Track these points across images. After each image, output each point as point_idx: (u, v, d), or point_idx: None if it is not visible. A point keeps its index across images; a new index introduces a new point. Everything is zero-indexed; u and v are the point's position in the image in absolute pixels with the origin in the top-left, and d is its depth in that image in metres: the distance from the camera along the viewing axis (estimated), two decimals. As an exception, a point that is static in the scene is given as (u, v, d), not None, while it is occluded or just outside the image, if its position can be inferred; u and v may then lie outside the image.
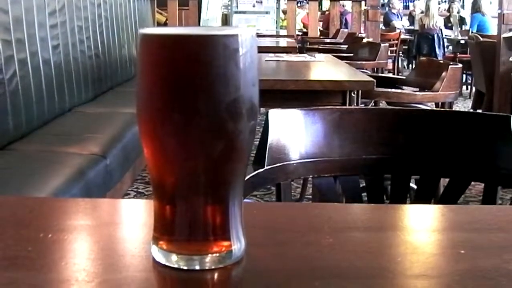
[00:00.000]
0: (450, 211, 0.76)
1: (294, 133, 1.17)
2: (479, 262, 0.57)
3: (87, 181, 2.39)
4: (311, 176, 1.20)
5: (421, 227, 0.70)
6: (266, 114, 1.14)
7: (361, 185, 1.26)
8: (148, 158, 0.51)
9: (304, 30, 9.80)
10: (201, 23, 2.17)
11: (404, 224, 0.72)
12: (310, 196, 3.15)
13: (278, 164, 1.14)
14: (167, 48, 0.48)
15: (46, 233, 0.61)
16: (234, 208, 0.53)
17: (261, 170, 1.11)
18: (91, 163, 2.53)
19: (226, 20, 8.80)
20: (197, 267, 0.52)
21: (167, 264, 0.53)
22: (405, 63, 11.42)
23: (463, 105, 7.81)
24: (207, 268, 0.52)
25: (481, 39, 6.14)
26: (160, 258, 0.53)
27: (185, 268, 0.52)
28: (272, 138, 1.14)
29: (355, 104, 2.03)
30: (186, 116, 0.48)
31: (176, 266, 0.52)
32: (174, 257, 0.52)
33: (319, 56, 3.11)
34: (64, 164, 2.42)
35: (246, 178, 1.10)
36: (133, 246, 0.60)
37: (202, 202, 0.52)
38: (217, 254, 0.52)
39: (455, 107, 7.47)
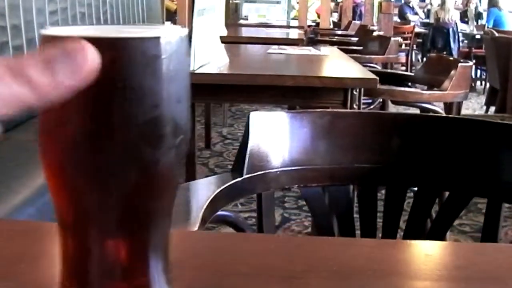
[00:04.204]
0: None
1: (279, 138, 1.07)
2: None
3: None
4: (296, 185, 1.10)
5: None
6: (248, 117, 1.04)
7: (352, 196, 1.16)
8: (51, 190, 0.41)
9: (318, 20, 9.66)
10: (195, 14, 2.05)
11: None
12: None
13: (259, 173, 1.04)
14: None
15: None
16: (157, 249, 0.43)
17: (239, 179, 1.01)
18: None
19: (236, 9, 8.68)
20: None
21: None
22: (419, 57, 11.26)
23: (477, 101, 7.66)
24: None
25: (497, 34, 6.00)
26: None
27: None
28: (253, 144, 1.03)
29: (357, 103, 1.92)
30: (91, 139, 0.38)
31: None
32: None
33: (324, 49, 2.99)
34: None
35: (221, 188, 1.00)
36: None
37: (116, 243, 0.42)
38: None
39: (468, 104, 7.33)
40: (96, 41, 0.38)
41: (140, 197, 0.40)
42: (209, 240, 0.61)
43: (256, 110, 5.88)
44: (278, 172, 1.06)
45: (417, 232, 1.13)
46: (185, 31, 0.41)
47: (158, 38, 0.38)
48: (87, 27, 0.41)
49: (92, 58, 0.31)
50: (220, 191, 0.96)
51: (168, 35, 0.39)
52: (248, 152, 1.02)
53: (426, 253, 0.57)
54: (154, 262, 0.43)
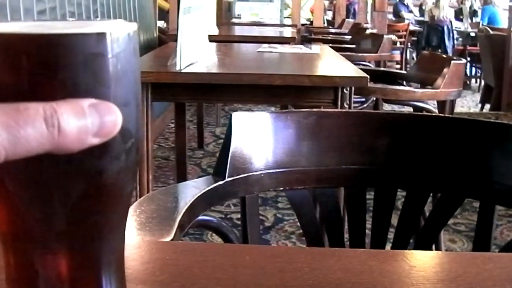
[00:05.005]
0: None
1: (262, 139, 1.03)
2: None
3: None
4: (281, 188, 1.06)
5: None
6: (230, 118, 1.00)
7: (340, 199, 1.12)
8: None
9: (312, 19, 9.60)
10: (181, 12, 1.99)
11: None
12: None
13: (242, 175, 1.00)
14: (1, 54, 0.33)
15: None
16: (109, 265, 0.39)
17: (220, 182, 0.97)
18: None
19: (229, 8, 8.62)
20: None
21: None
22: (414, 55, 11.22)
23: (472, 99, 7.63)
24: None
25: (491, 32, 5.97)
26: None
27: None
28: (235, 145, 0.99)
29: (348, 102, 1.88)
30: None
31: None
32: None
33: (315, 47, 2.94)
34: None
35: (202, 192, 0.96)
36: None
37: (62, 260, 0.38)
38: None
39: (463, 101, 7.30)
40: (32, 39, 0.34)
41: (87, 210, 0.36)
42: (180, 251, 0.57)
43: (250, 109, 5.82)
44: (262, 175, 1.02)
45: (408, 233, 1.09)
46: (134, 26, 0.37)
47: (103, 34, 0.34)
48: (25, 23, 0.37)
49: (118, 123, 0.32)
50: (201, 195, 0.92)
51: (115, 31, 0.35)
52: (230, 154, 0.98)
53: (410, 264, 0.53)
54: (105, 279, 0.39)
